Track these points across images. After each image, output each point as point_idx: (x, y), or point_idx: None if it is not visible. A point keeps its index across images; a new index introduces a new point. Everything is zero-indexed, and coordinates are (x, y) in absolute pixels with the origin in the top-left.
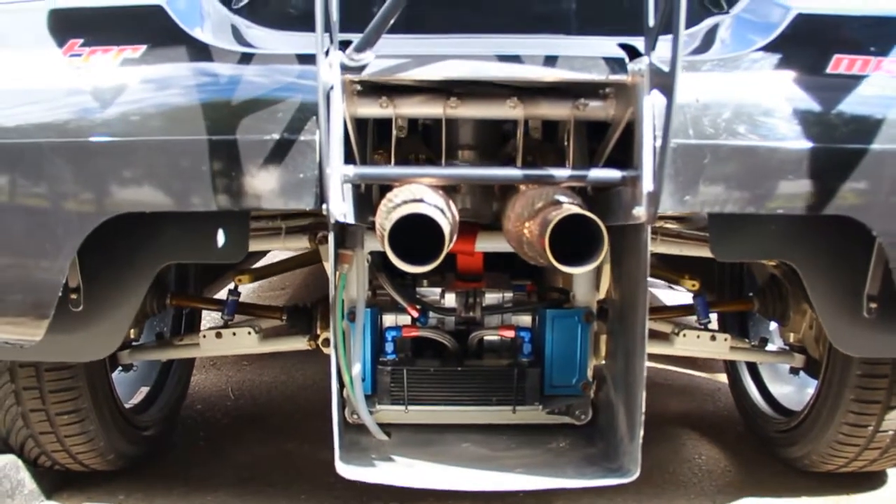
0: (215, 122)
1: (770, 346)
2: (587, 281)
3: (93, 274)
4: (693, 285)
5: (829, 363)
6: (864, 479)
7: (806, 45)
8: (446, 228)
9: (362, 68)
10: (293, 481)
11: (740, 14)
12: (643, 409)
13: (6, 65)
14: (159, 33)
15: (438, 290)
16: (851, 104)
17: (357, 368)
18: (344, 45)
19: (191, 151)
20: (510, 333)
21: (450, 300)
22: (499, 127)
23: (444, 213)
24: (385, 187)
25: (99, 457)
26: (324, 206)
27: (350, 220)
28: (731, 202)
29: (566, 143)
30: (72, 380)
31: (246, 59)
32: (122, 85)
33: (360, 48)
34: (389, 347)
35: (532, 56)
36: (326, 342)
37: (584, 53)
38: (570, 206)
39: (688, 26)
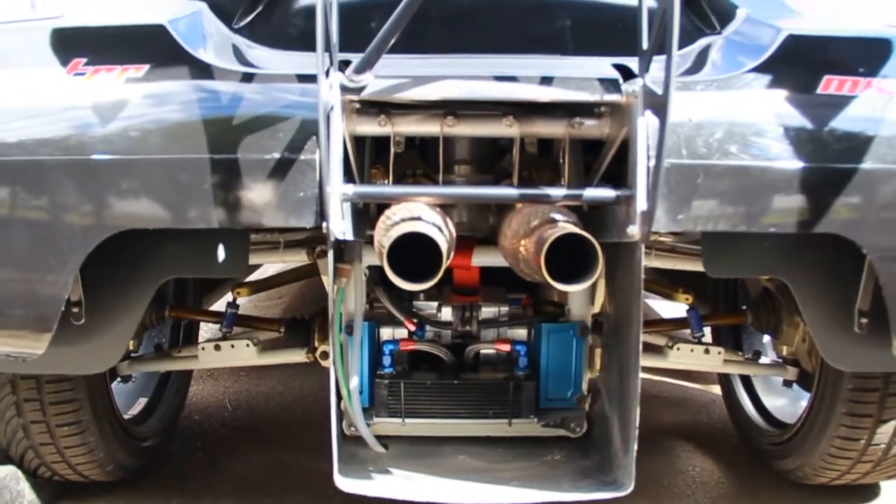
0: (217, 141)
1: (763, 359)
2: (582, 295)
3: (94, 288)
4: (687, 299)
5: (821, 376)
6: (858, 492)
7: (797, 66)
8: (444, 246)
9: (362, 89)
10: (290, 492)
11: (732, 35)
12: (637, 424)
13: (12, 83)
14: (162, 53)
15: (435, 303)
16: (841, 124)
17: (355, 381)
18: (343, 64)
19: (193, 170)
20: (506, 347)
21: (446, 314)
22: (495, 142)
23: (441, 231)
24: (383, 203)
25: (98, 468)
26: (324, 225)
27: (349, 237)
28: (724, 221)
29: (562, 161)
30: (72, 392)
31: (247, 78)
32: (126, 104)
33: (360, 69)
34: (387, 361)
35: (528, 76)
36: (324, 355)
37: (579, 74)
38: (566, 225)
39: (681, 47)
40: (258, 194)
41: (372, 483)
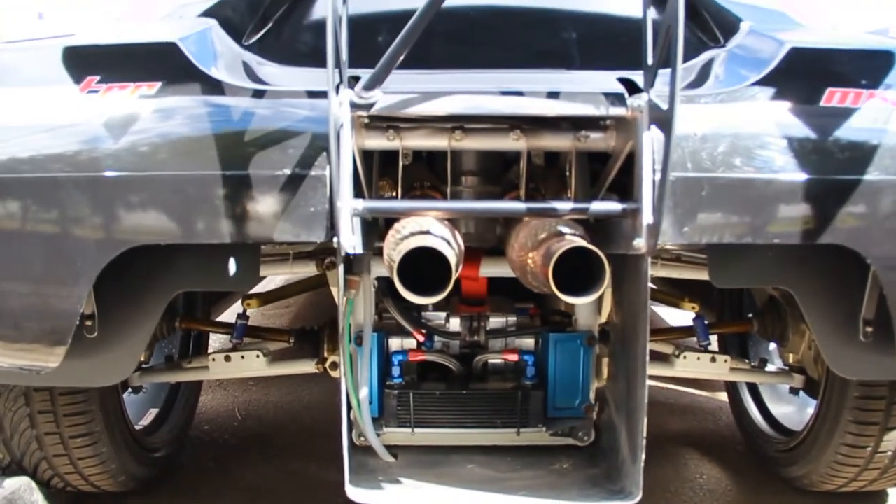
0: (229, 158)
1: (770, 367)
2: (589, 305)
3: (107, 301)
4: (693, 307)
5: (827, 384)
6: (865, 499)
7: (800, 79)
8: (453, 260)
9: (371, 105)
10: (300, 502)
11: (736, 48)
12: (644, 433)
13: (27, 101)
14: (174, 70)
15: (443, 314)
16: (845, 136)
17: (364, 392)
18: (352, 80)
19: (206, 186)
20: (514, 357)
21: (454, 324)
22: (502, 153)
23: (450, 245)
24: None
25: (111, 478)
26: (335, 240)
27: (359, 250)
28: (729, 233)
29: (568, 173)
30: (85, 403)
31: (257, 95)
32: (139, 121)
33: (369, 86)
34: (396, 371)
35: (534, 91)
36: (334, 365)
37: (585, 88)
38: (573, 238)
39: (685, 60)
40: (269, 209)
41: (382, 492)
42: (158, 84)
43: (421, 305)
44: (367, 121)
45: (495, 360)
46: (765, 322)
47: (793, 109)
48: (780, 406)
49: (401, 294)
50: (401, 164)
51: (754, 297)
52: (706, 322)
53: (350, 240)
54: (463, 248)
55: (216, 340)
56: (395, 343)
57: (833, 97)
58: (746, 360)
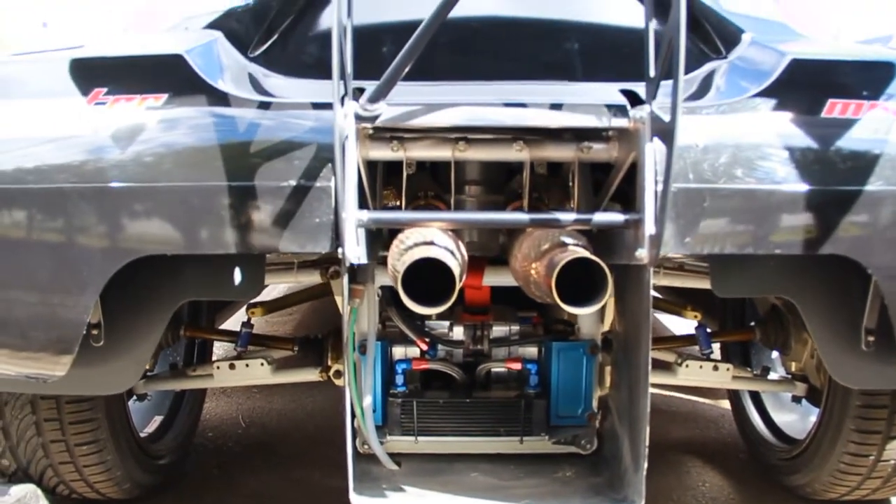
0: (235, 169)
1: (772, 375)
2: (592, 314)
3: (113, 310)
4: (695, 316)
5: (829, 393)
6: None
7: (801, 90)
8: (456, 270)
9: (376, 118)
10: None
11: (737, 60)
12: (647, 442)
13: (35, 113)
14: (180, 82)
15: (447, 323)
16: (845, 147)
17: (368, 400)
18: (357, 91)
19: (212, 197)
20: (517, 365)
21: (458, 333)
22: (505, 163)
23: (454, 255)
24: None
25: (115, 486)
26: (339, 250)
27: (364, 261)
28: (731, 243)
29: (571, 183)
30: (91, 411)
31: (263, 107)
32: (146, 132)
33: (374, 99)
34: (399, 380)
35: (537, 103)
36: (338, 374)
37: (588, 99)
38: (576, 249)
39: (687, 72)
40: (275, 220)
41: (386, 500)
42: (165, 96)
43: (424, 314)
44: (371, 132)
45: (498, 368)
46: (767, 330)
47: (794, 120)
48: (782, 414)
49: (405, 304)
50: (405, 174)
51: (757, 305)
52: (708, 330)
53: (354, 250)
54: (466, 257)
55: (220, 348)
56: (398, 352)
57: (834, 108)
58: (749, 369)
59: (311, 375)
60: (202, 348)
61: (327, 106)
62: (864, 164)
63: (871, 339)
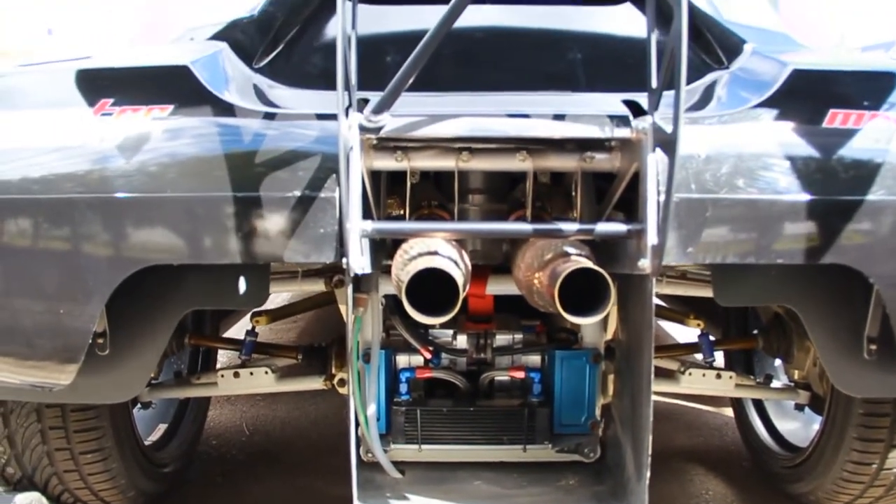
0: (240, 180)
1: (775, 383)
2: (595, 323)
3: (119, 319)
4: (698, 324)
5: (832, 401)
6: None
7: (802, 101)
8: (460, 280)
9: (380, 129)
10: None
11: (739, 70)
12: (650, 451)
13: (42, 123)
14: (186, 93)
15: (450, 331)
16: (847, 157)
17: (372, 409)
18: (361, 102)
19: (217, 207)
20: (520, 374)
21: (461, 341)
22: (508, 173)
23: (457, 265)
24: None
25: (120, 494)
26: (344, 260)
27: (368, 270)
28: (733, 253)
29: (574, 193)
30: (96, 419)
31: (268, 117)
32: (152, 143)
33: (378, 110)
34: (403, 388)
35: (540, 113)
36: (341, 382)
37: (590, 110)
38: (579, 259)
39: (689, 82)
40: (280, 230)
41: None
42: (171, 107)
43: (428, 323)
44: (375, 142)
45: (502, 377)
46: (770, 338)
47: (795, 131)
48: (785, 422)
49: (409, 313)
50: (409, 183)
51: (759, 313)
52: (711, 338)
53: (359, 261)
54: (470, 267)
55: (224, 355)
56: (402, 360)
57: (835, 118)
58: (752, 377)
59: (315, 384)
60: (206, 356)
61: (332, 117)
62: (865, 174)
63: (873, 347)
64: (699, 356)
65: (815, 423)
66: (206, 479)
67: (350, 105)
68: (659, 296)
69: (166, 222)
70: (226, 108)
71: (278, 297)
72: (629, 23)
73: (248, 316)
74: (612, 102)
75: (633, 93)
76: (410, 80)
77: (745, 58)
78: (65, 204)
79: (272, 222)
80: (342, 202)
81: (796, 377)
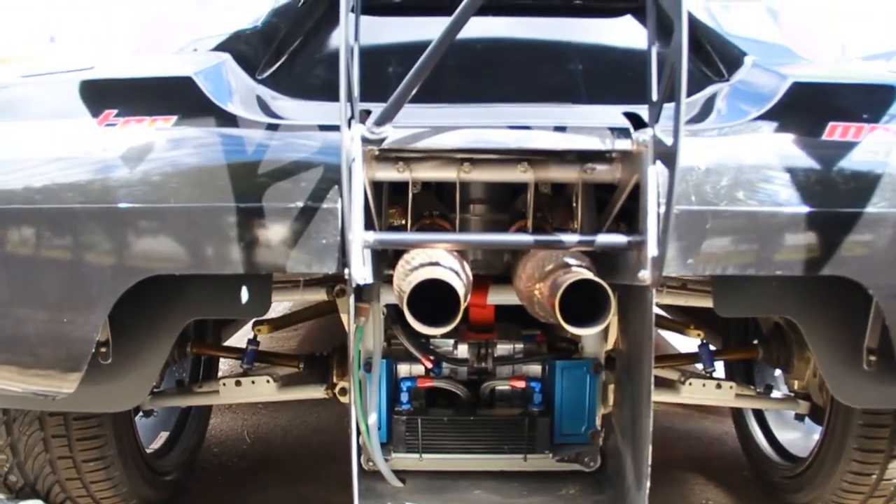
0: (243, 190)
1: (775, 393)
2: (596, 333)
3: (121, 328)
4: (698, 334)
5: (832, 412)
6: None
7: (802, 113)
8: (461, 291)
9: (382, 140)
10: None
11: (739, 83)
12: (650, 460)
13: (46, 134)
14: (189, 104)
15: (451, 341)
16: (846, 170)
17: (373, 418)
18: (363, 113)
19: (221, 218)
20: (521, 384)
21: (462, 351)
22: (510, 183)
23: (458, 276)
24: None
25: (122, 502)
26: (346, 271)
27: (370, 281)
28: (733, 264)
29: (575, 204)
30: (98, 428)
31: (271, 129)
32: (156, 154)
33: (380, 122)
34: (404, 397)
35: (541, 125)
36: (343, 391)
37: (591, 122)
38: (580, 270)
39: (689, 94)
40: (283, 241)
41: None
42: (174, 117)
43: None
44: (377, 153)
45: (503, 386)
46: (770, 349)
47: (795, 143)
48: (785, 432)
49: (410, 324)
50: (410, 194)
51: (759, 323)
52: (711, 349)
53: (361, 271)
54: (471, 277)
55: (225, 363)
56: (403, 369)
57: (835, 131)
58: (752, 387)
59: (317, 393)
60: (208, 365)
61: (334, 128)
62: (864, 186)
63: (872, 358)
64: (699, 366)
65: (815, 434)
66: (207, 488)
67: (352, 116)
68: (659, 306)
69: (170, 233)
70: (229, 120)
71: (279, 305)
72: (630, 34)
73: (250, 325)
74: (613, 114)
75: (633, 105)
76: (413, 93)
77: (746, 70)
78: (70, 214)
79: (275, 233)
80: (344, 213)
81: (796, 387)
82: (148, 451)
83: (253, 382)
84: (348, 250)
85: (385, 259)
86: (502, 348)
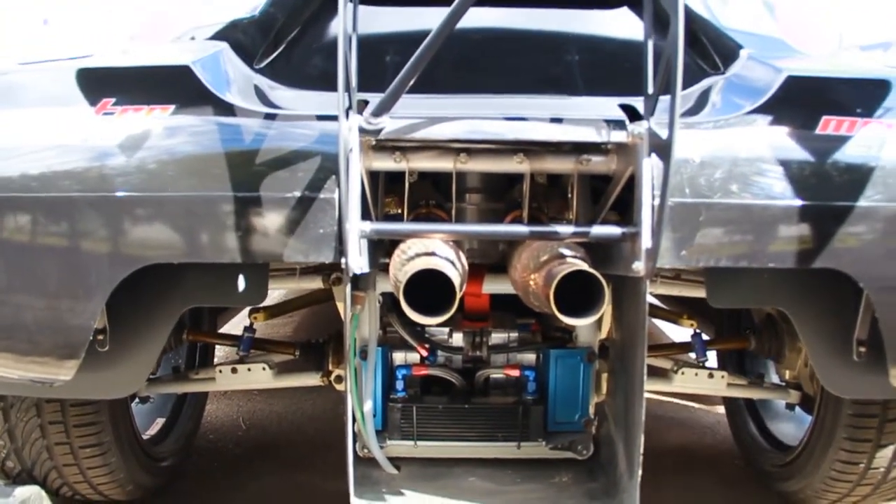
0: (241, 180)
1: (766, 383)
2: (589, 323)
3: (119, 316)
4: (691, 324)
5: (821, 401)
6: None
7: (796, 107)
8: (457, 281)
9: (379, 131)
10: None
11: (734, 76)
12: (641, 450)
13: (44, 122)
14: (187, 93)
15: (446, 329)
16: (839, 164)
17: (369, 405)
18: (361, 103)
19: (218, 207)
20: (515, 372)
21: (457, 339)
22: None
23: (454, 266)
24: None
25: (119, 487)
26: (343, 260)
27: (366, 270)
28: (726, 257)
29: (570, 195)
30: (95, 414)
31: (269, 118)
32: (153, 143)
33: (378, 112)
34: (399, 385)
35: (537, 116)
36: (338, 378)
37: (587, 113)
38: (574, 261)
39: (685, 87)
40: (280, 230)
41: None
42: (172, 107)
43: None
44: (374, 143)
45: (497, 374)
46: (762, 339)
47: (789, 137)
48: (776, 421)
49: (406, 313)
50: (407, 183)
51: (752, 314)
52: (704, 338)
53: (357, 261)
54: (467, 267)
55: (221, 349)
56: (398, 357)
57: (828, 125)
58: (744, 376)
59: (312, 380)
60: (204, 351)
61: (332, 118)
62: (856, 179)
63: (862, 350)
64: (692, 355)
65: (806, 423)
66: (203, 474)
67: (350, 107)
68: (653, 295)
69: (168, 222)
70: (227, 109)
71: (274, 292)
72: (626, 26)
73: (247, 312)
74: (609, 106)
75: (629, 97)
76: (410, 83)
77: (741, 63)
78: (68, 203)
79: (272, 222)
80: (341, 203)
81: (787, 377)
82: (144, 437)
83: (249, 370)
84: (345, 240)
85: (381, 248)
86: (497, 337)
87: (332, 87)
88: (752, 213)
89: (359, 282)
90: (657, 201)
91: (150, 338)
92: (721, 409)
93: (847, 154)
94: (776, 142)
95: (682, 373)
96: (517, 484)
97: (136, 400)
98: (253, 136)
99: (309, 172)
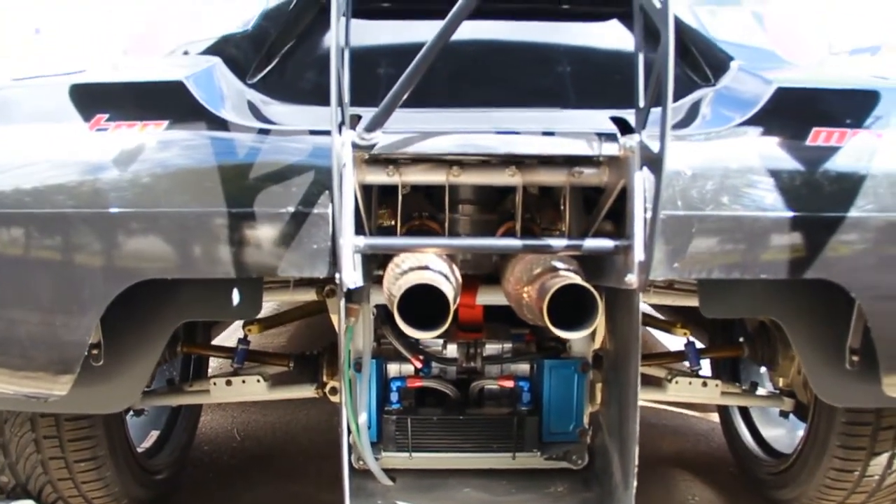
0: (235, 195)
1: (760, 391)
2: None
3: (113, 331)
4: (685, 333)
5: (815, 410)
6: None
7: (786, 119)
8: (451, 294)
9: (373, 146)
10: None
11: (724, 88)
12: (637, 459)
13: (37, 138)
14: (180, 109)
15: (441, 340)
16: (829, 175)
17: (363, 417)
18: (354, 118)
19: (212, 222)
20: (510, 383)
21: (452, 351)
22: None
23: (448, 279)
24: None
25: (114, 501)
26: (337, 275)
27: (360, 284)
28: (718, 268)
29: (563, 207)
30: (90, 428)
31: (262, 133)
32: (146, 158)
33: (371, 128)
34: (394, 397)
35: (529, 130)
36: (333, 390)
37: (579, 126)
38: (567, 275)
39: (675, 99)
40: (274, 245)
41: None
42: (165, 122)
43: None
44: (367, 157)
45: (491, 385)
46: (755, 347)
47: (779, 148)
48: (770, 429)
49: (400, 327)
50: (400, 196)
51: (745, 322)
52: (698, 347)
53: (351, 275)
54: (461, 280)
55: (215, 361)
56: (393, 369)
57: (818, 136)
58: (737, 384)
59: (307, 392)
60: (198, 364)
61: (325, 133)
62: (846, 190)
63: (855, 358)
64: (686, 364)
65: (800, 430)
66: (198, 486)
67: (343, 122)
68: (646, 304)
69: (162, 237)
70: (220, 124)
71: (267, 303)
72: (617, 39)
73: (241, 324)
74: (600, 119)
75: (620, 109)
76: (403, 99)
77: (732, 75)
78: (63, 219)
79: (266, 237)
80: (335, 218)
81: (781, 385)
82: (139, 450)
83: (243, 382)
84: (339, 255)
85: (375, 260)
86: (491, 348)
87: (325, 101)
88: (744, 224)
89: (352, 294)
90: (649, 214)
91: (144, 352)
92: (715, 417)
93: (837, 165)
94: (767, 153)
95: (676, 382)
96: (512, 494)
97: (131, 413)
98: (246, 151)
99: (302, 187)
